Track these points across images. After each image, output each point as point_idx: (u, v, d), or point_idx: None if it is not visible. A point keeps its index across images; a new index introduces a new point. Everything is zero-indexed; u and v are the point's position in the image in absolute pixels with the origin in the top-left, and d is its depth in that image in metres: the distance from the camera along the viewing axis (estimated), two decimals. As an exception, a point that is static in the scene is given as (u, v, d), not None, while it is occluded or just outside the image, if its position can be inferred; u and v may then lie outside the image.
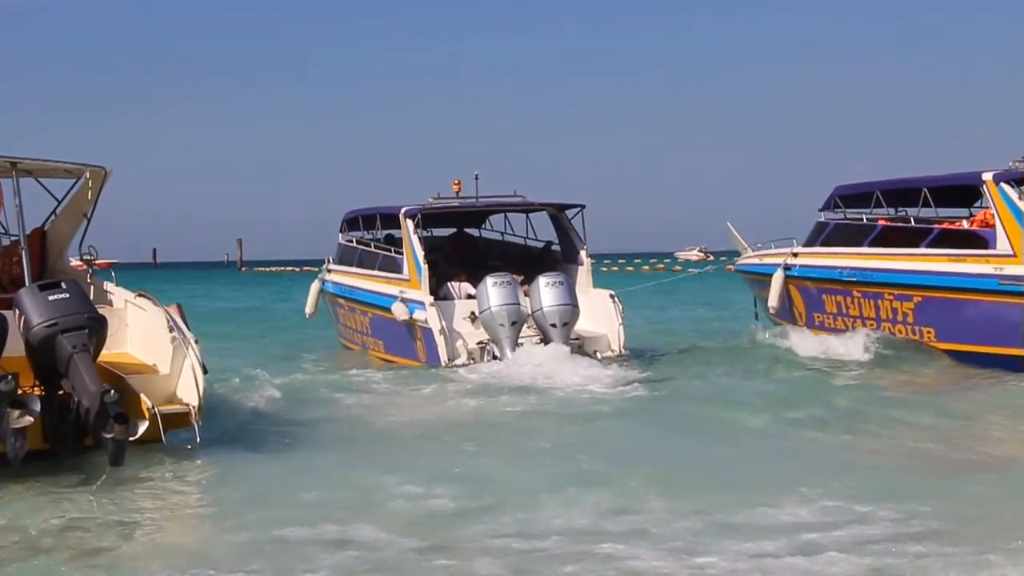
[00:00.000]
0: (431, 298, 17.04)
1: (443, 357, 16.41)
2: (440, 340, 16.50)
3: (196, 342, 10.38)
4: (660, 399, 13.92)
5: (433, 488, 8.79)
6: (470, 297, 17.38)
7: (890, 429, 11.75)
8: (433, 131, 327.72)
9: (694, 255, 78.95)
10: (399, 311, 17.22)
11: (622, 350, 16.84)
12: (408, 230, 17.82)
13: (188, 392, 10.15)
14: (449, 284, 17.98)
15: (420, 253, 17.38)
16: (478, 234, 21.65)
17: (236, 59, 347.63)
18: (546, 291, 16.32)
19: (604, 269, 57.51)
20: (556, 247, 19.40)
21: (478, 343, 16.61)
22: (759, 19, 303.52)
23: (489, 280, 16.38)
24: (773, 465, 9.83)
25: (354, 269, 20.56)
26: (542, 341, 16.30)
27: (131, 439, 9.15)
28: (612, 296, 17.46)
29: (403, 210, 18.23)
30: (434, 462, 9.96)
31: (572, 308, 16.34)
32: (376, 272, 19.27)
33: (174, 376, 10.33)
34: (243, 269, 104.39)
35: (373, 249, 19.99)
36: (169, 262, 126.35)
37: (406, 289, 17.62)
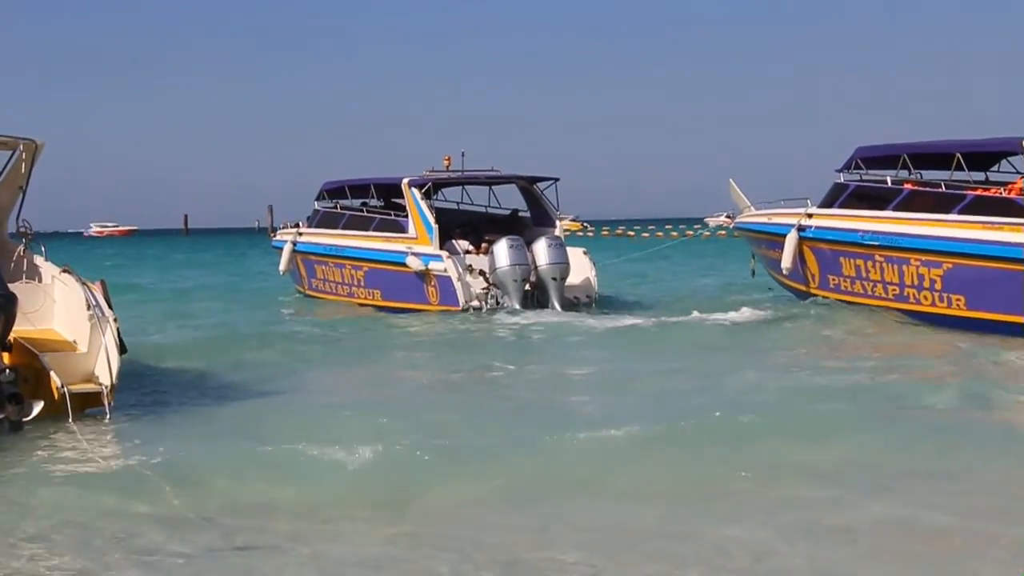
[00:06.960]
0: (446, 252, 20.00)
1: (461, 300, 19.54)
2: (459, 286, 19.60)
3: (115, 320, 10.17)
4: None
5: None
6: (467, 252, 20.65)
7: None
8: (450, 95, 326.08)
9: (723, 220, 78.12)
10: (414, 263, 20.15)
11: (595, 295, 20.24)
12: (415, 196, 20.87)
13: (103, 371, 9.87)
14: (453, 241, 20.78)
15: (431, 216, 20.45)
16: None
17: (266, 24, 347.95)
18: (549, 251, 19.67)
19: (632, 234, 56.74)
20: (523, 213, 22.45)
21: (482, 288, 19.74)
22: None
23: (505, 242, 19.47)
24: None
25: (340, 231, 23.26)
26: (536, 293, 19.62)
27: (25, 419, 8.96)
28: (585, 252, 20.70)
29: (406, 180, 21.17)
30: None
31: (567, 266, 19.85)
32: (372, 232, 22.11)
33: (92, 354, 10.00)
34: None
35: (367, 213, 23.03)
36: (200, 228, 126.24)
37: (413, 245, 20.57)
